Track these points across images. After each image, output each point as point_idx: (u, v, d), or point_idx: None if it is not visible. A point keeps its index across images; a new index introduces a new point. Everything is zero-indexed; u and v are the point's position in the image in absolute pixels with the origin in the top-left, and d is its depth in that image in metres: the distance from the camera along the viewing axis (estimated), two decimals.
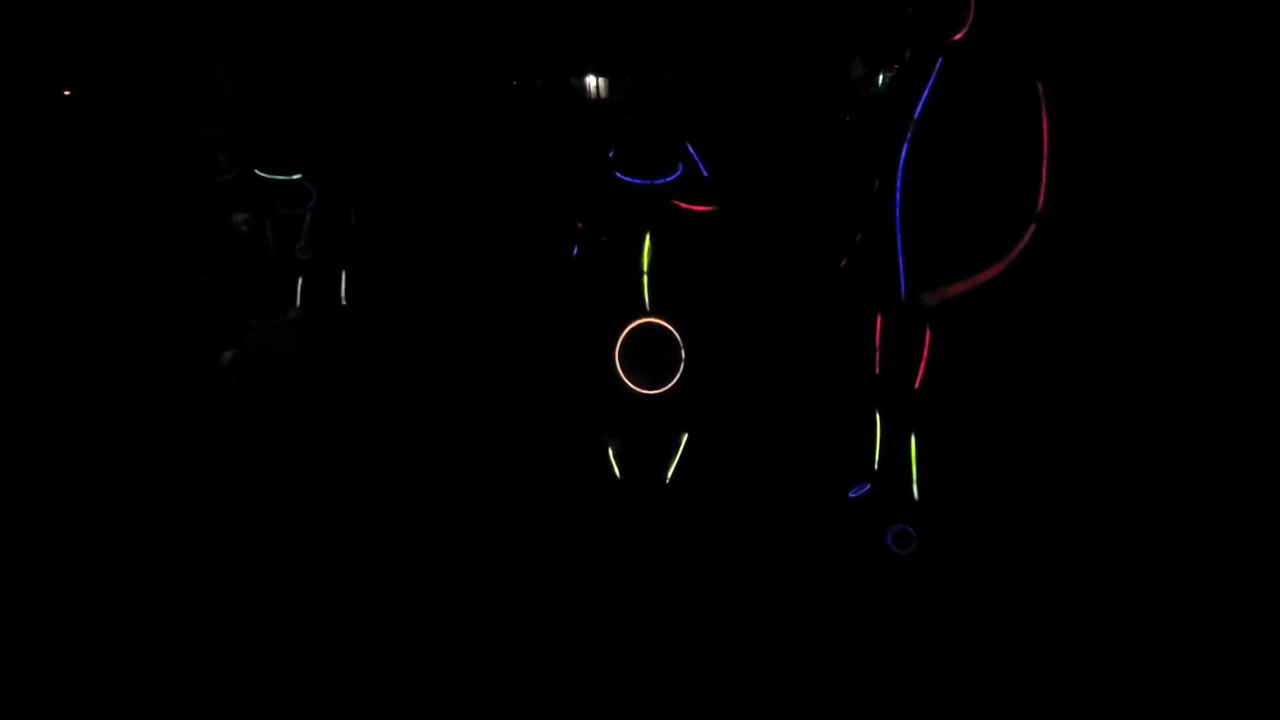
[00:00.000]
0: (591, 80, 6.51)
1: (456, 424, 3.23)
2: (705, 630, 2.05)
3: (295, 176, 3.55)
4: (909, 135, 2.05)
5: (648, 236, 2.42)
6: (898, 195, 2.08)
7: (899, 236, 2.11)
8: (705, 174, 2.47)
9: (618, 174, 2.42)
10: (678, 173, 2.43)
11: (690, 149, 2.46)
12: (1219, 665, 1.86)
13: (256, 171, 3.50)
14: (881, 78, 6.10)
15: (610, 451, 2.66)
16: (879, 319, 2.34)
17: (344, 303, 3.91)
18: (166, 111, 3.83)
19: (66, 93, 3.66)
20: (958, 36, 2.01)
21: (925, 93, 2.03)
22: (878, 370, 2.38)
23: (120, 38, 3.83)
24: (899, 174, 2.07)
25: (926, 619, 2.07)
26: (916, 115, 2.05)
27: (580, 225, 2.54)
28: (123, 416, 3.23)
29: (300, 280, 3.73)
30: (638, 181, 2.41)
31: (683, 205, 2.44)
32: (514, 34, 6.10)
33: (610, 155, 2.45)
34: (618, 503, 2.62)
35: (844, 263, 2.42)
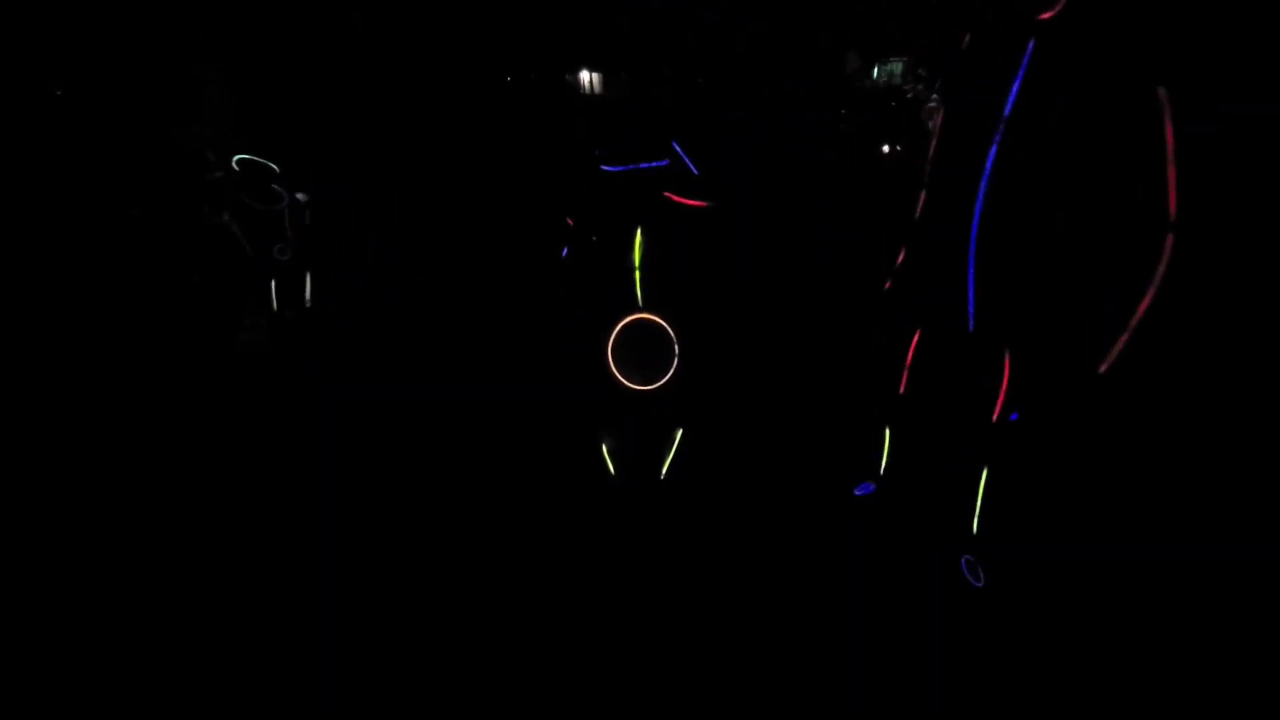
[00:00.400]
0: (586, 75, 6.48)
1: (457, 424, 3.23)
2: (704, 631, 2.06)
3: (273, 166, 3.50)
4: (997, 137, 1.71)
5: (639, 231, 2.40)
6: (978, 209, 1.78)
7: (972, 254, 1.82)
8: (695, 171, 2.45)
9: (603, 166, 2.40)
10: (663, 161, 2.40)
11: (678, 147, 2.44)
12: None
13: (236, 157, 3.45)
14: (877, 70, 6.08)
15: (604, 448, 2.67)
16: (915, 338, 2.15)
17: (308, 304, 3.84)
18: (160, 111, 3.83)
19: (60, 92, 3.65)
20: (1047, 15, 1.66)
21: (1016, 84, 1.68)
22: (902, 389, 2.24)
23: (119, 38, 3.82)
24: (982, 185, 1.75)
25: (927, 619, 2.07)
26: (1007, 113, 1.69)
27: (570, 222, 2.53)
28: (123, 416, 3.23)
29: (274, 282, 3.69)
30: (621, 169, 2.38)
31: (675, 199, 2.42)
32: (512, 31, 6.09)
33: (597, 153, 2.44)
34: (617, 503, 2.62)
35: (889, 285, 2.19)
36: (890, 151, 5.14)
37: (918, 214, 2.03)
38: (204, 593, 2.21)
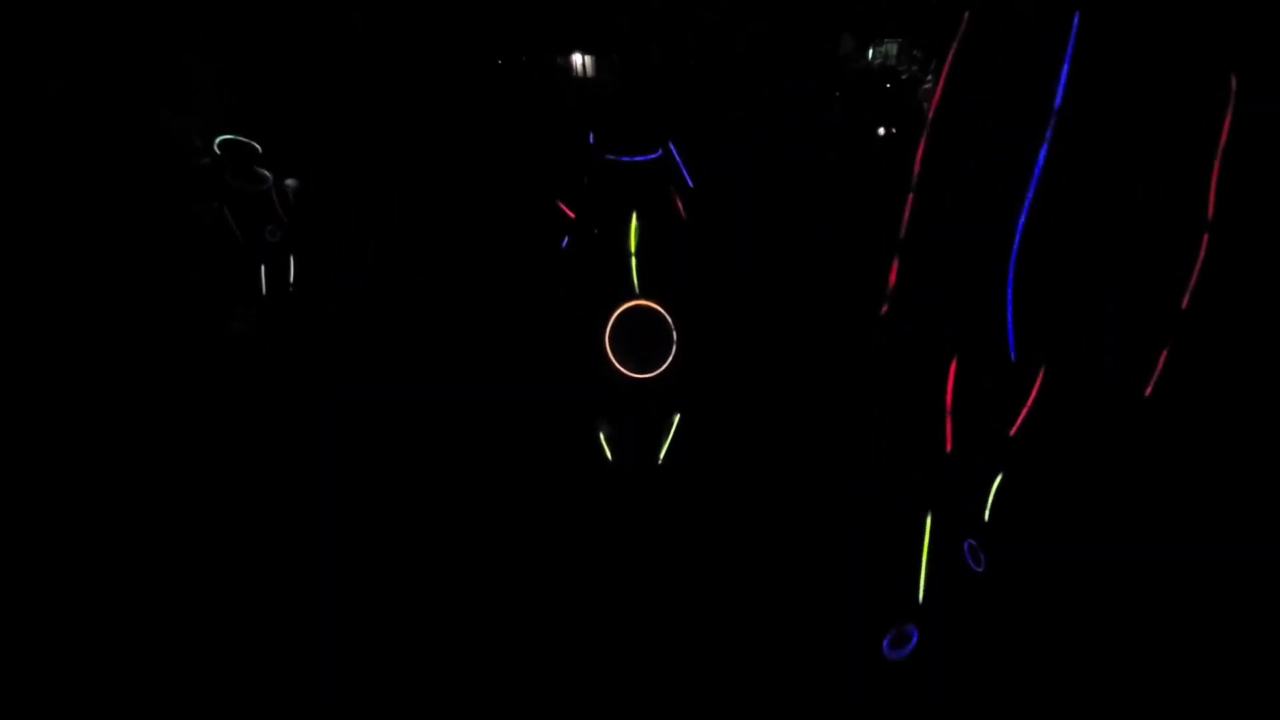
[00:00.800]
0: (578, 58, 6.45)
1: (456, 424, 3.23)
2: (703, 631, 2.05)
3: (255, 145, 3.45)
4: (1048, 134, 1.46)
5: (634, 217, 2.39)
6: (1022, 218, 1.53)
7: (1013, 268, 1.58)
8: (690, 184, 2.45)
9: (607, 155, 2.38)
10: (657, 153, 2.39)
11: (676, 154, 2.43)
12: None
13: (218, 139, 3.40)
14: (871, 51, 6.03)
15: (602, 435, 2.66)
16: (953, 368, 1.82)
17: (291, 289, 3.76)
18: (159, 110, 3.81)
19: (55, 90, 3.63)
20: None
21: (1065, 69, 1.43)
22: (949, 444, 1.88)
23: (119, 38, 3.82)
24: (1030, 191, 1.50)
25: (926, 618, 2.07)
26: (1058, 104, 1.45)
27: (570, 215, 2.52)
28: (123, 416, 3.23)
29: (263, 267, 3.63)
30: (620, 159, 2.37)
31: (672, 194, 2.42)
32: (513, 32, 6.09)
33: (591, 140, 2.42)
34: (617, 503, 2.62)
35: (885, 310, 1.93)
36: (886, 133, 5.12)
37: (905, 221, 1.79)
38: (204, 592, 2.20)
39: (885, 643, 1.96)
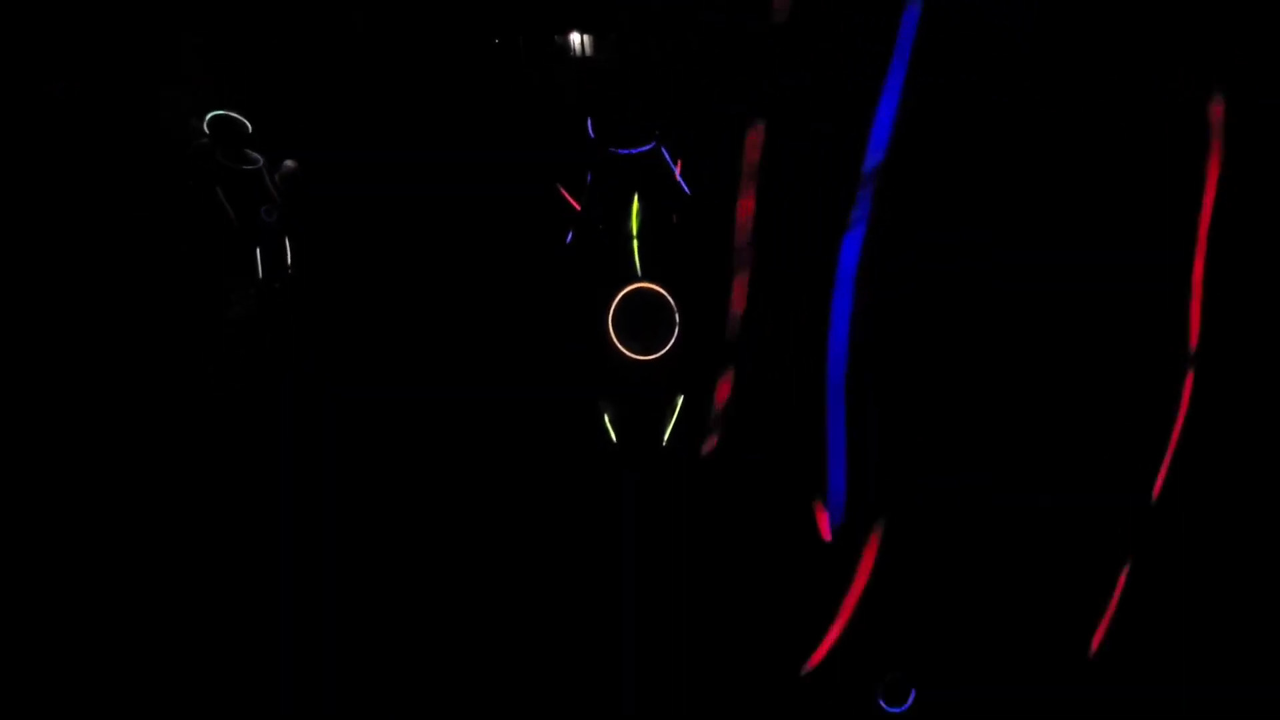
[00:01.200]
0: (575, 38, 6.42)
1: (457, 423, 3.23)
2: (710, 632, 2.05)
3: (245, 122, 3.42)
4: (871, 162, 0.95)
5: (636, 200, 2.41)
6: (841, 311, 1.05)
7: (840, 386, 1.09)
8: (687, 191, 2.45)
9: (608, 149, 2.39)
10: (651, 145, 2.40)
11: (670, 161, 2.43)
12: None
13: (208, 116, 3.35)
14: None
15: (605, 417, 2.67)
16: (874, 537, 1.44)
17: (289, 270, 3.71)
18: (150, 104, 3.82)
19: (55, 90, 3.63)
20: None
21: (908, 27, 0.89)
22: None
23: (118, 37, 3.82)
24: (856, 245, 1.00)
25: (930, 615, 2.07)
26: (898, 83, 0.96)
27: (576, 205, 2.52)
28: (123, 416, 3.23)
29: (259, 249, 3.59)
30: (620, 152, 2.38)
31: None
32: (514, 36, 6.08)
33: (590, 135, 2.43)
34: (621, 502, 2.62)
35: (714, 444, 1.48)
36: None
37: (740, 314, 1.26)
38: (205, 592, 2.21)
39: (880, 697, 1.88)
